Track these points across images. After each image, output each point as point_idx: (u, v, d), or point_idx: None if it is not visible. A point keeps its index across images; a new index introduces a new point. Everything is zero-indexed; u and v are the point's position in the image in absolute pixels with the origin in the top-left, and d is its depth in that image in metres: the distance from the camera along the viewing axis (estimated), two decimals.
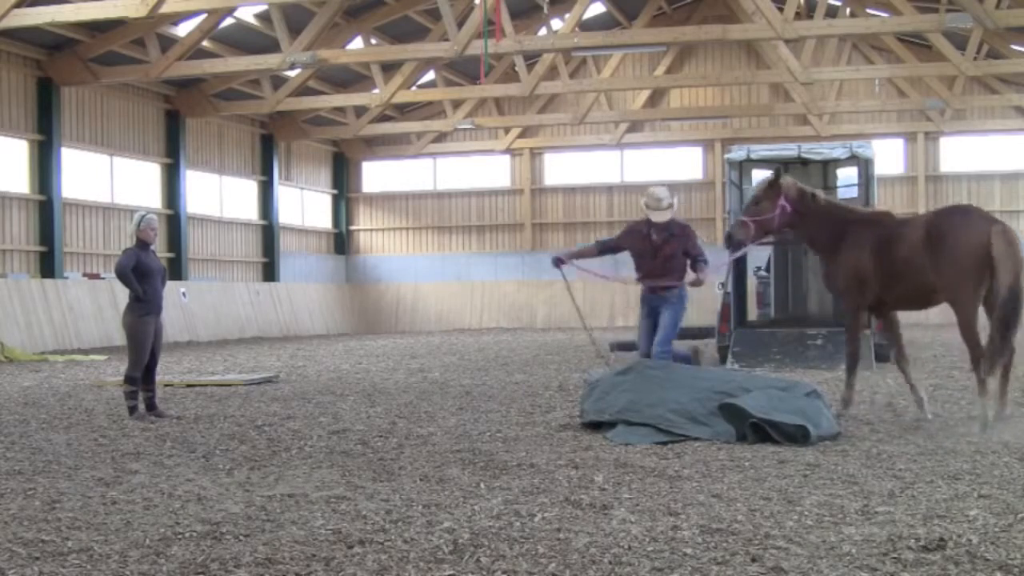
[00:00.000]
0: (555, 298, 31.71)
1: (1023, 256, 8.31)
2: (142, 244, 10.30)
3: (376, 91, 28.21)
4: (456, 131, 33.73)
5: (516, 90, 27.59)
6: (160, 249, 25.88)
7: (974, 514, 5.39)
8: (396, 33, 27.71)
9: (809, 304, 18.09)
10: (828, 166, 18.00)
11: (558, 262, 10.49)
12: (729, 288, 15.73)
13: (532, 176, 34.85)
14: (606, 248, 10.57)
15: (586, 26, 28.18)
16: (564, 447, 7.85)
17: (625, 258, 10.57)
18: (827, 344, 14.68)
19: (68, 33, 22.90)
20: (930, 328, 24.18)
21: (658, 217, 10.11)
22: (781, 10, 21.73)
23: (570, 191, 34.65)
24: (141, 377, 10.17)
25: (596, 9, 29.03)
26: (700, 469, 6.83)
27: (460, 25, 21.63)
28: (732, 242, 9.51)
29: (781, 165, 17.75)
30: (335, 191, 35.60)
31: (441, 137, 34.79)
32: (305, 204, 34.42)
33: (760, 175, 15.91)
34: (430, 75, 30.68)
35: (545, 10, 26.38)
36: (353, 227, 36.15)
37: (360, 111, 31.36)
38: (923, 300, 9.07)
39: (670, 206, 10.14)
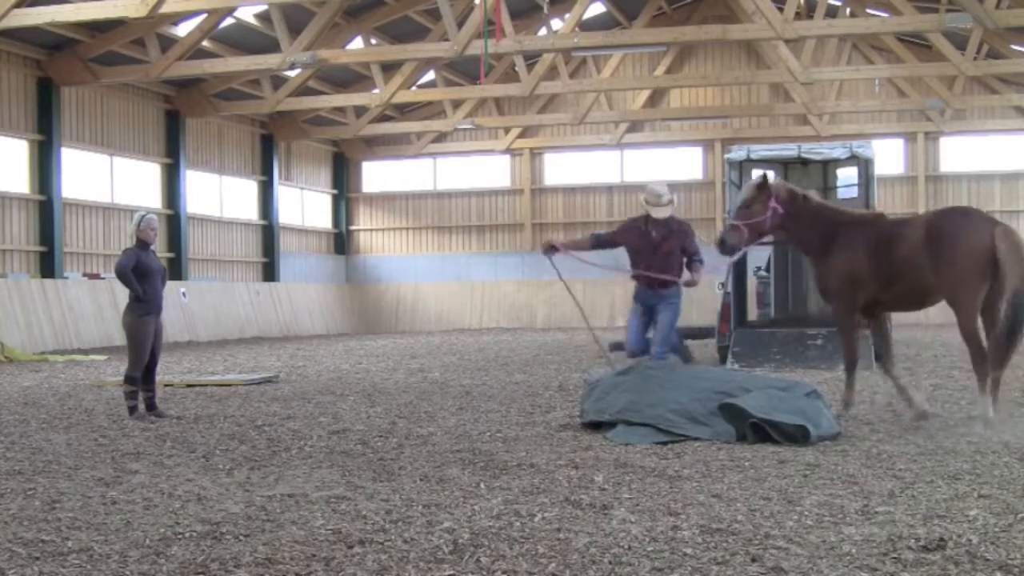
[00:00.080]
0: (555, 298, 31.70)
1: None
2: (142, 244, 10.30)
3: (376, 91, 28.22)
4: (456, 131, 33.74)
5: (516, 90, 27.59)
6: (160, 249, 25.89)
7: (974, 514, 5.38)
8: (396, 33, 27.72)
9: (809, 304, 18.08)
10: (828, 166, 18.00)
11: (550, 248, 10.40)
12: (729, 288, 15.73)
13: (532, 176, 34.86)
14: (602, 242, 10.50)
15: (586, 26, 28.19)
16: (564, 447, 7.85)
17: (620, 255, 10.49)
18: (827, 344, 14.67)
19: (68, 33, 22.91)
20: (930, 328, 24.20)
21: (658, 213, 10.09)
22: (781, 10, 21.73)
23: (570, 191, 34.65)
24: (141, 377, 10.17)
25: (596, 9, 29.03)
26: (700, 469, 6.82)
27: (460, 25, 21.63)
28: (725, 247, 9.41)
29: (781, 165, 17.82)
30: (335, 191, 35.60)
31: (441, 137, 34.79)
32: (305, 204, 34.42)
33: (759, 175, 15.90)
34: (430, 75, 30.68)
35: (545, 10, 26.38)
36: (353, 227, 36.16)
37: (360, 111, 31.37)
38: (920, 301, 9.05)
39: (670, 202, 10.12)
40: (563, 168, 34.90)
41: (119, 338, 19.66)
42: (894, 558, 4.64)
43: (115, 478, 6.88)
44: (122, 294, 11.60)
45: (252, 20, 24.83)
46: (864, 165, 16.77)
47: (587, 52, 27.09)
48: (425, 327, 33.73)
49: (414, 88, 29.80)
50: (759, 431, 7.83)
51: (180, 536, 5.22)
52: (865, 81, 31.27)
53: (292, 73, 26.85)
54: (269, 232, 31.80)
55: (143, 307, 10.17)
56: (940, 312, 10.89)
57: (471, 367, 16.19)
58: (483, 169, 35.35)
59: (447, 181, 35.58)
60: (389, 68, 27.71)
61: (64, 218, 24.26)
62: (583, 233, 33.36)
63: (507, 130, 33.91)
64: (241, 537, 5.19)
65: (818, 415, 8.04)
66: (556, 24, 28.48)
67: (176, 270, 27.21)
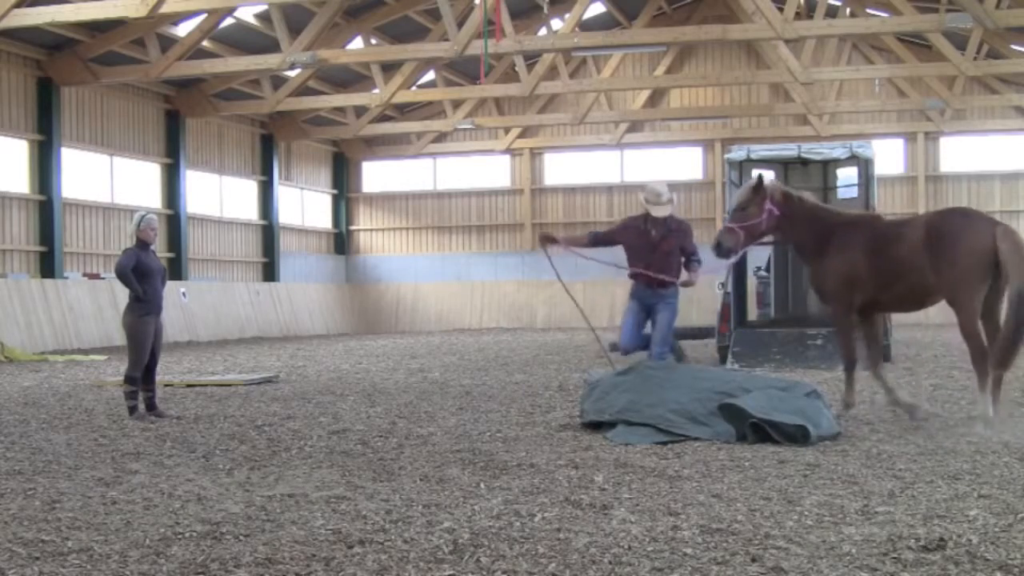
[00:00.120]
0: (555, 298, 31.67)
1: None
2: (142, 244, 10.29)
3: (376, 91, 28.22)
4: (456, 131, 33.74)
5: (516, 90, 27.60)
6: (160, 249, 25.89)
7: (974, 514, 5.38)
8: (396, 33, 27.72)
9: (809, 304, 18.09)
10: (828, 166, 18.01)
11: (549, 240, 10.36)
12: (729, 288, 15.74)
13: (532, 176, 34.86)
14: (599, 240, 10.46)
15: (586, 26, 28.19)
16: (564, 447, 7.85)
17: (620, 253, 10.45)
18: (827, 344, 14.68)
19: (68, 33, 22.91)
20: (930, 328, 24.20)
21: (658, 212, 10.07)
22: (781, 10, 21.73)
23: (570, 191, 34.66)
24: (141, 377, 10.17)
25: (596, 9, 29.03)
26: (700, 469, 6.82)
27: (460, 25, 21.63)
28: (721, 250, 9.38)
29: (781, 165, 17.84)
30: (335, 191, 35.61)
31: (441, 137, 34.79)
32: (305, 204, 34.42)
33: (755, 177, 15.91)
34: (430, 75, 30.68)
35: (545, 10, 26.38)
36: (353, 227, 36.16)
37: (360, 111, 31.37)
38: (920, 301, 9.05)
39: (670, 201, 10.11)
40: (563, 168, 34.90)
41: (119, 338, 19.66)
42: (894, 558, 4.64)
43: (115, 478, 6.88)
44: (122, 294, 11.60)
45: (252, 20, 24.83)
46: (864, 165, 16.77)
47: (587, 52, 27.09)
48: (425, 327, 33.73)
49: (414, 88, 29.81)
50: (759, 431, 7.83)
51: (180, 536, 5.22)
52: (865, 81, 31.27)
53: (292, 73, 26.85)
54: (269, 232, 31.81)
55: (143, 307, 10.17)
56: (940, 312, 10.87)
57: (471, 367, 16.19)
58: (483, 169, 35.35)
59: (447, 181, 35.58)
60: (389, 68, 27.72)
61: (64, 218, 24.27)
62: (583, 233, 33.46)
63: (507, 130, 33.91)
64: (241, 537, 5.19)
65: (818, 415, 8.04)
66: (556, 24, 28.48)
67: (176, 270, 27.22)
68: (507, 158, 35.14)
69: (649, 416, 8.27)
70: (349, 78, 30.49)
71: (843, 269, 8.96)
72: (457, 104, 31.72)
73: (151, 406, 10.21)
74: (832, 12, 27.59)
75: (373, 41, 27.47)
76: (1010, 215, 29.97)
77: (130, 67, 24.17)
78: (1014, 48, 28.60)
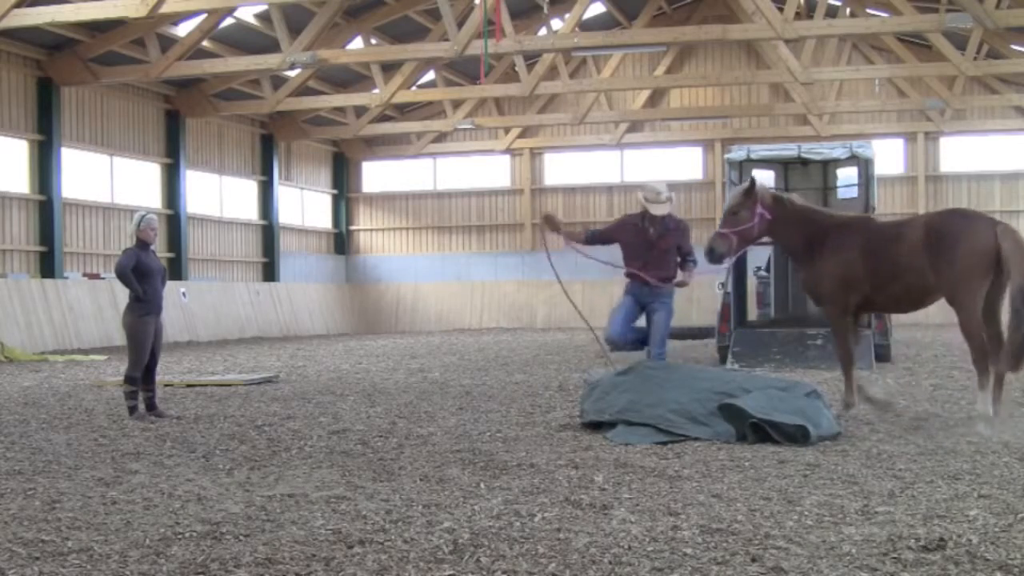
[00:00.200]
0: (555, 298, 31.65)
1: None
2: (142, 244, 10.29)
3: (376, 91, 28.22)
4: (456, 131, 33.74)
5: (516, 90, 27.59)
6: (160, 249, 25.89)
7: (974, 514, 5.39)
8: (396, 33, 27.72)
9: (809, 304, 18.08)
10: (828, 166, 18.00)
11: (550, 222, 10.32)
12: (729, 288, 15.74)
13: (532, 176, 34.86)
14: (596, 238, 10.44)
15: (586, 26, 28.19)
16: (564, 447, 7.85)
17: (615, 251, 10.42)
18: (827, 344, 14.66)
19: (68, 33, 22.91)
20: (930, 328, 24.20)
21: (657, 210, 10.06)
22: (781, 10, 21.73)
23: (570, 191, 34.66)
24: (141, 377, 10.17)
25: (596, 9, 29.03)
26: (700, 469, 6.82)
27: (460, 25, 21.63)
28: (714, 256, 9.35)
29: (781, 165, 17.84)
30: (335, 191, 35.61)
31: (441, 137, 34.80)
32: (305, 204, 34.42)
33: (760, 175, 15.90)
34: (430, 75, 30.68)
35: (545, 10, 26.37)
36: (353, 227, 36.16)
37: (360, 111, 31.37)
38: (918, 301, 9.04)
39: (669, 199, 10.10)
40: (563, 168, 34.90)
41: (119, 338, 19.66)
42: (894, 558, 4.64)
43: (115, 478, 6.88)
44: (122, 294, 11.60)
45: (252, 20, 24.83)
46: (864, 165, 16.77)
47: (587, 52, 27.08)
48: (425, 327, 33.73)
49: (414, 88, 29.81)
50: (759, 431, 7.83)
51: (180, 536, 5.22)
52: (865, 81, 31.27)
53: (292, 73, 26.85)
54: (269, 232, 31.80)
55: (143, 307, 10.17)
56: (940, 312, 10.88)
57: (471, 367, 16.19)
58: (483, 169, 35.35)
59: (447, 181, 35.58)
60: (389, 68, 27.71)
61: (64, 218, 24.27)
62: (580, 230, 33.45)
63: (507, 130, 33.91)
64: (241, 537, 5.19)
65: (818, 415, 8.05)
66: (556, 24, 28.48)
67: (176, 270, 27.22)
68: (507, 158, 35.15)
69: (649, 416, 8.28)
70: (349, 78, 30.49)
71: (838, 271, 8.96)
72: (457, 104, 31.72)
73: (151, 406, 10.21)
74: (832, 12, 27.59)
75: (373, 41, 27.47)
76: (1010, 215, 29.96)
77: (130, 67, 24.17)
78: (1014, 48, 28.60)
